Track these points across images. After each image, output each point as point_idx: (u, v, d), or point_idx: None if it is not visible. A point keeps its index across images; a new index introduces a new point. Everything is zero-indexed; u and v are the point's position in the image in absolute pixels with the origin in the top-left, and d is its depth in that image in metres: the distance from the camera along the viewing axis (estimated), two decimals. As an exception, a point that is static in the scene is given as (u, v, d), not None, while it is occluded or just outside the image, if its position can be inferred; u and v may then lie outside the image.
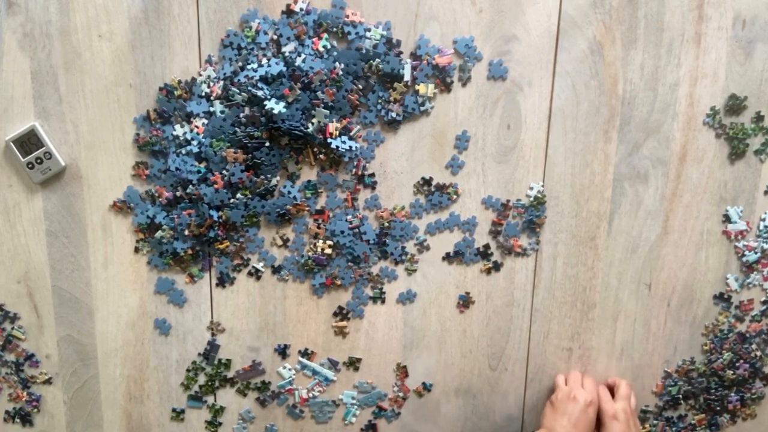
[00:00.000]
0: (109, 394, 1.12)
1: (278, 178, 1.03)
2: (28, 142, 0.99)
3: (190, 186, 1.02)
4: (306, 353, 1.11)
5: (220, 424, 1.14)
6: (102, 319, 1.08)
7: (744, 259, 1.09)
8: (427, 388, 1.13)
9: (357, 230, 1.05)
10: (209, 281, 1.07)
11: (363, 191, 1.04)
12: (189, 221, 1.03)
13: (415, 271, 1.08)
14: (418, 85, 1.00)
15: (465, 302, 1.09)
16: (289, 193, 1.03)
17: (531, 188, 1.05)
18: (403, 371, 1.12)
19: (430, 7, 0.97)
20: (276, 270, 1.07)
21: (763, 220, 1.07)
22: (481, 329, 1.11)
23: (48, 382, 1.11)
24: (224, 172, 1.01)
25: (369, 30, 0.97)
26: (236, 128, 0.99)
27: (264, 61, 0.98)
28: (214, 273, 1.07)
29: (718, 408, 1.15)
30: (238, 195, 1.02)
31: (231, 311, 1.09)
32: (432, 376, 1.13)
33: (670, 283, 1.10)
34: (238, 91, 0.98)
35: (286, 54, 0.98)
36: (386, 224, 1.05)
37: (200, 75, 0.99)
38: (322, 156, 1.02)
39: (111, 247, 1.05)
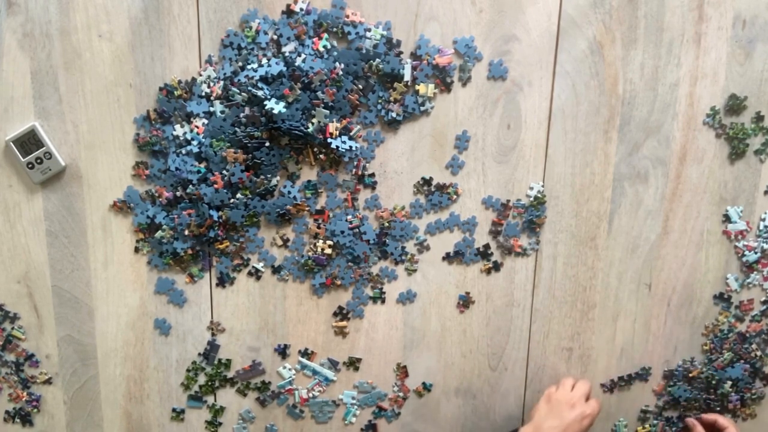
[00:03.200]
0: (109, 394, 1.12)
1: (278, 178, 1.03)
2: (28, 142, 0.99)
3: (190, 186, 1.02)
4: (306, 353, 1.11)
5: (220, 424, 1.14)
6: (102, 319, 1.08)
7: (744, 259, 1.09)
8: (427, 388, 1.13)
9: (357, 230, 1.05)
10: (209, 281, 1.07)
11: (363, 191, 1.04)
12: (189, 221, 1.03)
13: (415, 271, 1.08)
14: (418, 85, 0.99)
15: (465, 302, 1.09)
16: (289, 193, 1.03)
17: (531, 188, 1.05)
18: (403, 371, 1.12)
19: (430, 7, 0.97)
20: (276, 270, 1.07)
21: (763, 220, 1.07)
22: (481, 329, 1.11)
23: (48, 382, 1.11)
24: (224, 172, 1.01)
25: (369, 30, 0.97)
26: (236, 128, 0.99)
27: (264, 61, 0.98)
28: (214, 273, 1.07)
29: (718, 408, 1.15)
30: (238, 195, 1.02)
31: (231, 311, 1.09)
32: (432, 376, 1.13)
33: (670, 283, 1.10)
34: (238, 91, 0.98)
35: (286, 54, 0.98)
36: (386, 224, 1.05)
37: (200, 75, 0.99)
38: (322, 156, 1.02)
39: (111, 247, 1.05)
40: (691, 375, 1.13)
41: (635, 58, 1.00)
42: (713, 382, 1.13)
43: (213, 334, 1.10)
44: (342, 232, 1.04)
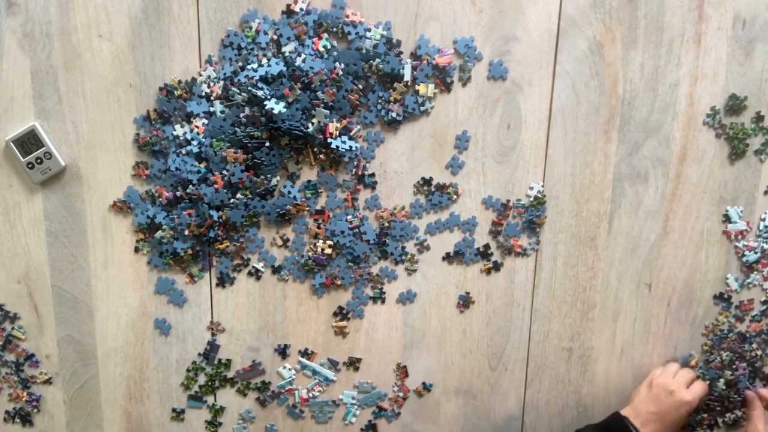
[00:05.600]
0: (109, 394, 1.12)
1: (278, 178, 1.03)
2: (28, 142, 0.99)
3: (190, 186, 1.02)
4: (306, 353, 1.11)
5: (220, 424, 1.14)
6: (102, 319, 1.08)
7: (744, 259, 1.09)
8: (427, 388, 1.13)
9: (357, 230, 1.05)
10: (209, 281, 1.07)
11: (363, 191, 1.04)
12: (189, 221, 1.03)
13: (415, 271, 1.08)
14: (418, 85, 1.00)
15: (465, 302, 1.09)
16: (289, 193, 1.03)
17: (531, 188, 1.05)
18: (403, 371, 1.12)
19: (430, 7, 0.97)
20: (276, 270, 1.07)
21: (763, 220, 1.07)
22: (481, 329, 1.11)
23: (48, 382, 1.11)
24: (224, 172, 1.01)
25: (369, 30, 0.97)
26: (236, 128, 0.99)
27: (264, 61, 0.98)
28: (214, 273, 1.07)
29: (718, 408, 1.15)
30: (238, 195, 1.02)
31: (231, 311, 1.09)
32: (432, 376, 1.13)
33: (670, 283, 1.10)
34: (238, 91, 0.98)
35: (286, 54, 0.98)
36: (386, 224, 1.05)
37: (200, 75, 0.99)
38: (322, 156, 1.02)
39: (111, 247, 1.05)
40: (691, 375, 1.13)
41: (635, 58, 1.00)
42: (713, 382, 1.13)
43: (213, 334, 1.10)
44: (342, 232, 1.04)
